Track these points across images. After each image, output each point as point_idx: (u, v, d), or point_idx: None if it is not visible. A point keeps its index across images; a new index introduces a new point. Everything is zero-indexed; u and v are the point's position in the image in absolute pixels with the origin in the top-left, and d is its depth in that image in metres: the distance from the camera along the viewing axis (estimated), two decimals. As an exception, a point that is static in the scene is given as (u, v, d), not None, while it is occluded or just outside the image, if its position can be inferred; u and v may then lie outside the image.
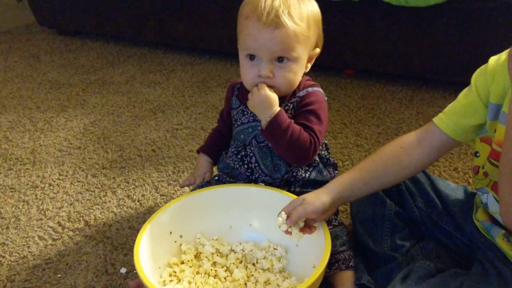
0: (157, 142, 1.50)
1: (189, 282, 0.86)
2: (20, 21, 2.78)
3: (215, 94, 1.82)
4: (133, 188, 1.28)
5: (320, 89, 0.99)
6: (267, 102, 0.90)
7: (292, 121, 0.92)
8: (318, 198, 0.84)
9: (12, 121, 1.66)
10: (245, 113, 1.00)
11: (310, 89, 0.97)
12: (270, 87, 0.91)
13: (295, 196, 0.90)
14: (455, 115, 0.82)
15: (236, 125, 1.02)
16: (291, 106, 0.96)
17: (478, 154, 0.83)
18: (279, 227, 0.84)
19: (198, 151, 1.13)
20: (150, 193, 1.25)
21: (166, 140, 1.51)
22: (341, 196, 0.86)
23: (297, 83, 0.95)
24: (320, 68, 1.95)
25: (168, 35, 2.15)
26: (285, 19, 0.85)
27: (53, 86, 1.94)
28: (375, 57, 1.77)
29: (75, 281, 0.98)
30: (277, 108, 0.91)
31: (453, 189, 0.96)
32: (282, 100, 0.95)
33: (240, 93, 1.02)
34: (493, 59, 0.77)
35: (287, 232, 0.84)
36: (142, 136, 1.54)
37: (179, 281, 0.87)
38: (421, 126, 0.89)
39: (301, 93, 0.96)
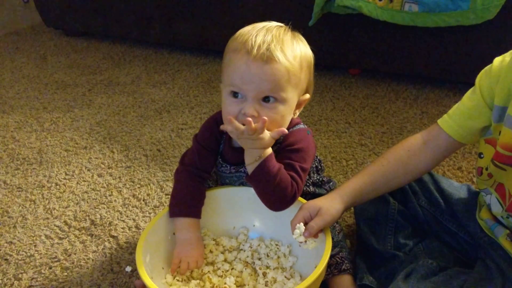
0: (162, 142, 1.51)
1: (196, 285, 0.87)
2: (27, 22, 2.80)
3: (220, 94, 1.82)
4: (139, 187, 1.29)
5: (302, 125, 0.92)
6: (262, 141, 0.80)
7: (282, 166, 0.83)
8: (333, 206, 0.83)
9: (19, 121, 1.68)
10: (224, 165, 0.95)
11: (291, 129, 0.89)
12: None
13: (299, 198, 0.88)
14: (459, 117, 0.82)
15: (217, 167, 0.97)
16: (275, 148, 0.87)
17: (482, 155, 0.83)
18: (296, 238, 0.81)
19: (175, 215, 0.91)
20: (155, 192, 1.26)
21: (171, 140, 1.52)
22: (352, 202, 0.87)
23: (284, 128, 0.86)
24: (325, 68, 1.96)
25: (173, 36, 2.16)
26: (278, 53, 0.78)
27: (60, 86, 1.95)
28: (379, 57, 1.77)
29: (81, 279, 0.99)
30: (267, 150, 0.82)
31: (456, 188, 0.96)
32: None
33: (226, 139, 0.93)
34: (497, 60, 0.76)
35: (303, 242, 0.82)
36: (147, 136, 1.55)
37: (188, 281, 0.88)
38: (426, 125, 0.89)
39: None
